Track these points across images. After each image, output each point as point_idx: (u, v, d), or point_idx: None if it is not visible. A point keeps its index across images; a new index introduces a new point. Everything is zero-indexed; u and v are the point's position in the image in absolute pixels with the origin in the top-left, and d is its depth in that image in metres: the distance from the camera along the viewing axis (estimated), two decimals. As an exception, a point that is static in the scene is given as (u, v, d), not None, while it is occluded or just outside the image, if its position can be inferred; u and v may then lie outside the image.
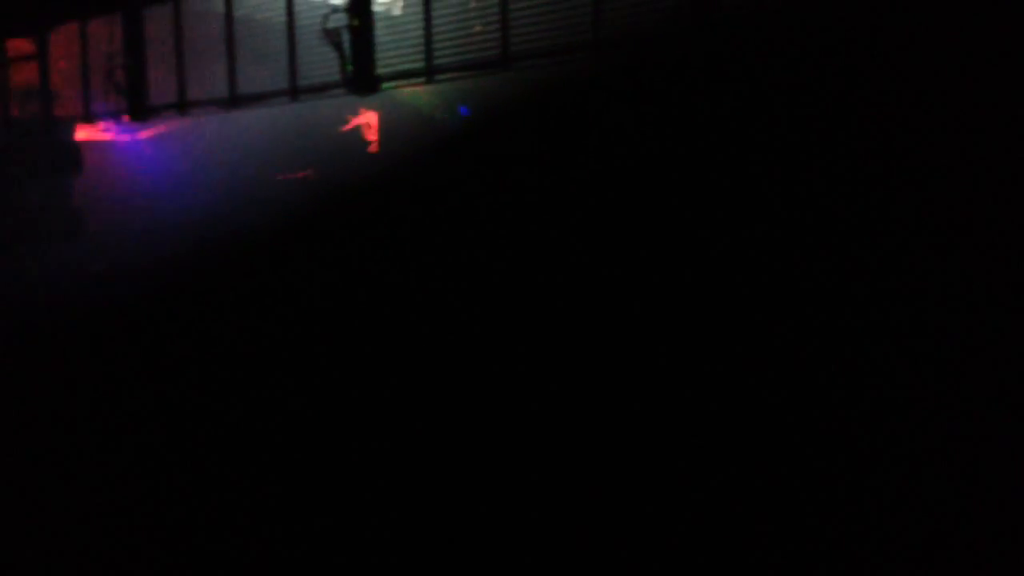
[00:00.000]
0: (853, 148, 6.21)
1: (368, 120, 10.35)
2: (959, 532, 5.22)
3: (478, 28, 8.57)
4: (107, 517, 6.41)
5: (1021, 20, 5.64)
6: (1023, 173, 5.54)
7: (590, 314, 7.45)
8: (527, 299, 7.76)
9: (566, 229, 7.80)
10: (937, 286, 5.74)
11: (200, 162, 10.75)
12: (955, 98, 5.77)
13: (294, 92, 9.70)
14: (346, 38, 9.24)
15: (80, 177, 11.12)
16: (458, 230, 8.43)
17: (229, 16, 9.89)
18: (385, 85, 9.25)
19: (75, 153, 11.13)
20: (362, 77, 9.24)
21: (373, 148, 10.30)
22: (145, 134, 11.04)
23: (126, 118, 10.62)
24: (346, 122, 10.36)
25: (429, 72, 9.01)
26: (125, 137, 11.03)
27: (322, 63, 9.42)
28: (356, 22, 9.19)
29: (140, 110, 10.51)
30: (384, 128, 10.27)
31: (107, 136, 11.10)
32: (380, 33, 9.24)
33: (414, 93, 9.60)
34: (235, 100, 10.01)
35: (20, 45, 11.18)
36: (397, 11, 9.36)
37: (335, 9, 9.33)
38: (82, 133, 11.00)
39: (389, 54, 9.16)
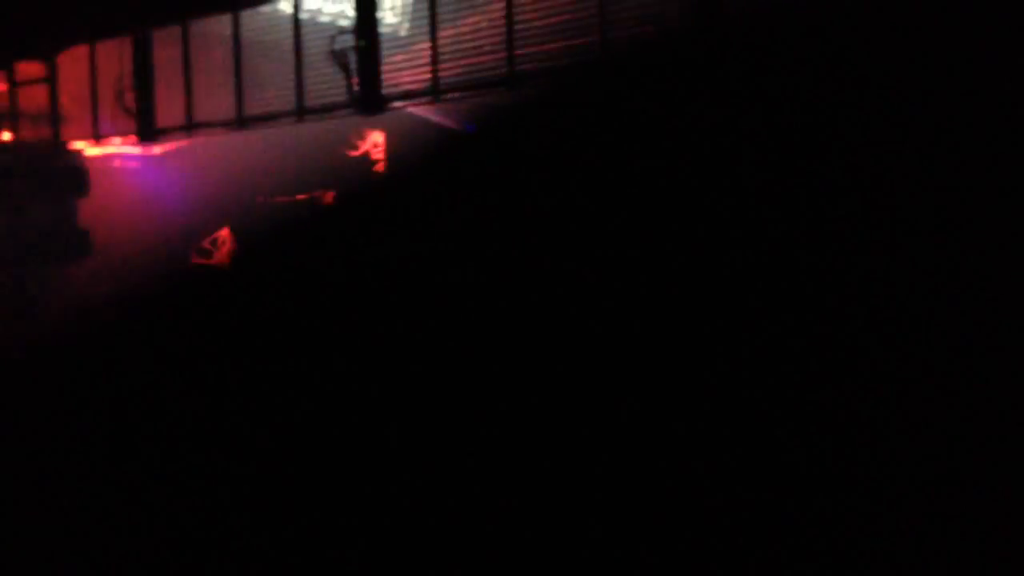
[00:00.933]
0: (853, 152, 6.30)
1: (375, 140, 10.46)
2: (958, 532, 5.26)
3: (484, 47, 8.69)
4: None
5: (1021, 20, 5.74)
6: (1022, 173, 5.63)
7: (595, 322, 7.51)
8: (534, 309, 7.82)
9: (573, 239, 7.87)
10: (938, 287, 5.81)
11: (206, 181, 10.83)
12: (957, 97, 5.86)
13: (301, 113, 9.81)
14: (352, 59, 9.37)
15: (87, 198, 11.21)
16: (464, 245, 8.49)
17: (237, 38, 10.02)
18: (391, 105, 9.36)
19: (83, 174, 11.22)
20: (368, 97, 9.36)
21: (379, 167, 10.40)
22: (153, 152, 11.13)
23: (134, 139, 10.73)
24: (352, 143, 10.46)
25: (435, 91, 9.13)
26: (134, 159, 11.14)
27: (329, 84, 9.54)
28: (363, 43, 9.32)
29: (148, 132, 10.62)
30: (391, 147, 10.37)
31: (116, 157, 11.20)
32: (386, 53, 9.36)
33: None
34: (242, 121, 10.11)
35: (30, 67, 11.29)
36: (403, 32, 9.49)
37: (342, 31, 9.45)
38: (91, 152, 11.09)
39: (395, 74, 9.28)
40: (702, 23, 7.42)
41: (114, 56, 10.63)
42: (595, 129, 8.12)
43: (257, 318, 9.43)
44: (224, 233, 10.93)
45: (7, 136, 11.47)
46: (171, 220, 11.01)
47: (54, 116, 11.11)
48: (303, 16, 9.77)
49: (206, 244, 10.93)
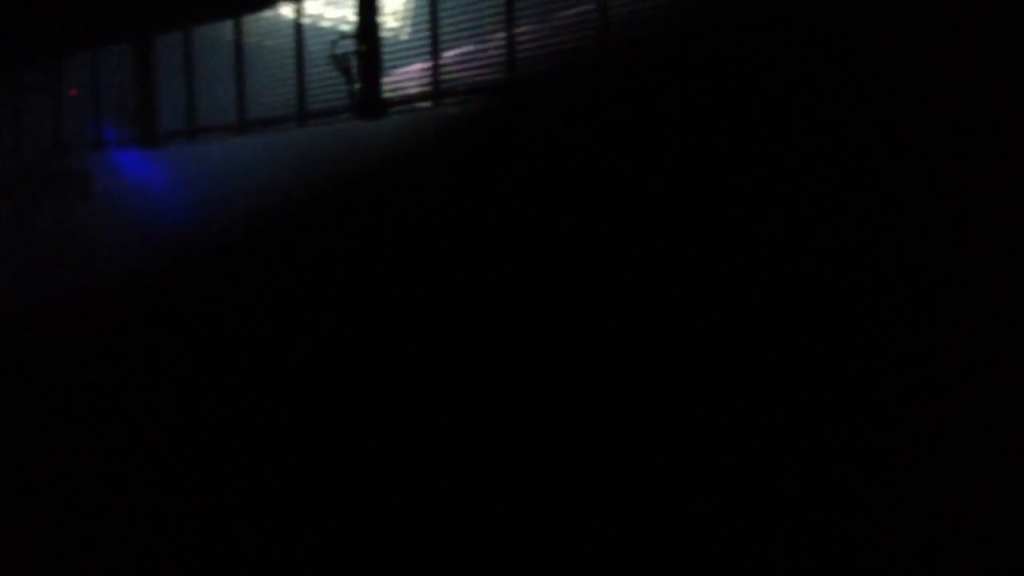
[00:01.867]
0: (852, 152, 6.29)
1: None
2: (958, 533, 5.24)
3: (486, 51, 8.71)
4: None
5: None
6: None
7: (594, 319, 7.50)
8: (531, 306, 7.82)
9: (570, 237, 7.86)
10: (938, 288, 5.79)
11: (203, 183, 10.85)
12: (958, 96, 5.85)
13: (302, 117, 9.83)
14: (354, 63, 9.39)
15: (90, 203, 11.24)
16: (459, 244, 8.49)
17: (239, 43, 10.06)
18: (393, 109, 9.38)
19: (85, 179, 11.26)
20: (369, 102, 9.38)
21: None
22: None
23: (137, 145, 10.76)
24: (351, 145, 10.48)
25: (436, 95, 9.15)
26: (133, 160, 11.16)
27: (330, 88, 9.57)
28: (364, 47, 9.35)
29: (150, 137, 10.65)
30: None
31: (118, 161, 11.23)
32: (387, 58, 9.39)
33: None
34: (244, 126, 10.14)
35: (33, 73, 11.35)
36: (405, 36, 9.51)
37: (343, 35, 9.48)
38: (94, 156, 11.12)
39: (397, 79, 9.31)
40: (705, 21, 7.43)
41: (116, 62, 10.67)
42: (595, 130, 8.12)
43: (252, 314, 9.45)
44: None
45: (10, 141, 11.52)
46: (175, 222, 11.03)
47: (57, 121, 11.15)
48: (304, 21, 9.81)
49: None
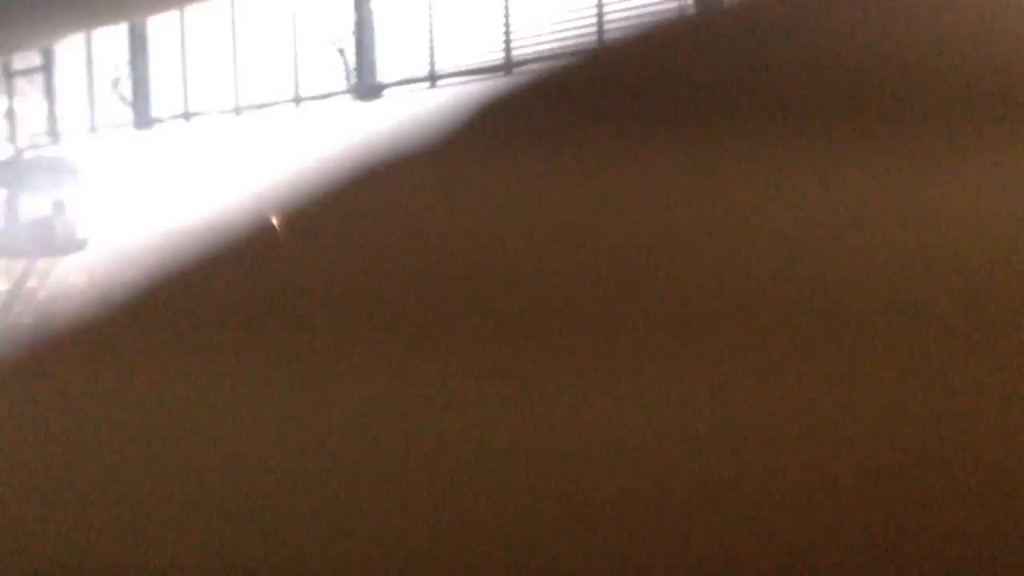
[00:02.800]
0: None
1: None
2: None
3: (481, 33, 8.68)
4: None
5: None
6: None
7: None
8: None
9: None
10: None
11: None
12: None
13: (298, 101, 9.79)
14: (349, 45, 9.36)
15: (83, 189, 11.17)
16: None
17: (234, 26, 10.01)
18: (388, 92, 9.35)
19: (79, 165, 11.19)
20: (366, 83, 9.35)
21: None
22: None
23: (131, 129, 10.71)
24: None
25: (432, 78, 9.12)
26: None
27: (326, 71, 9.54)
28: (359, 29, 9.31)
29: (145, 120, 10.59)
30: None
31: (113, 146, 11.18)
32: (383, 40, 9.35)
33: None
34: (239, 110, 10.10)
35: (26, 57, 11.28)
36: (400, 17, 9.47)
37: (338, 17, 9.45)
38: (87, 141, 11.06)
39: (392, 61, 9.28)
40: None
41: (110, 46, 10.61)
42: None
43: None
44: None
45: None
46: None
47: (50, 106, 11.09)
48: (300, 2, 9.76)
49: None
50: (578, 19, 8.15)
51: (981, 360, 0.46)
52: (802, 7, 0.56)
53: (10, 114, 11.53)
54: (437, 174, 0.53)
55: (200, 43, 10.14)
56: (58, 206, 11.48)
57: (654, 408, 0.47)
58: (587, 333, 0.49)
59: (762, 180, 0.51)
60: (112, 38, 10.61)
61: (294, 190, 0.56)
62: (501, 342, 0.50)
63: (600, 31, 8.07)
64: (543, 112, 0.55)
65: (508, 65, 8.74)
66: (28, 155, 11.37)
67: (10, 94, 11.46)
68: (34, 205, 11.46)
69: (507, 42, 8.57)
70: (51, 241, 11.42)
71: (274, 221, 0.55)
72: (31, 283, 11.28)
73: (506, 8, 8.50)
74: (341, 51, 9.38)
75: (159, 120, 10.50)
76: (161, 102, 10.44)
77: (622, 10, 7.95)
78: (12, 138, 11.59)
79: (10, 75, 11.44)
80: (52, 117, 11.18)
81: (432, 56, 9.05)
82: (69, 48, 10.94)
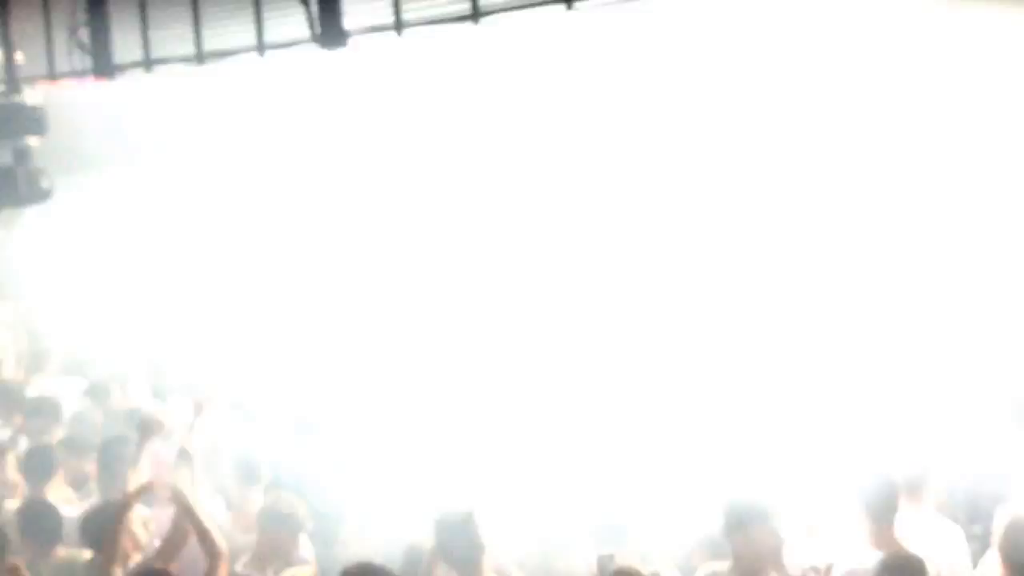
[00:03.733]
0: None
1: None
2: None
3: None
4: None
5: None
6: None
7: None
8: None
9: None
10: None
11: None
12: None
13: (261, 48, 9.62)
14: (314, -8, 9.17)
15: (44, 137, 10.94)
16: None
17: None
18: (353, 39, 9.19)
19: (39, 114, 10.94)
20: (330, 30, 9.18)
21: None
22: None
23: (91, 77, 10.48)
24: None
25: (397, 26, 8.98)
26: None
27: (290, 17, 9.35)
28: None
29: (105, 68, 10.36)
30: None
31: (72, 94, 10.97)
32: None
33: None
34: (201, 56, 9.90)
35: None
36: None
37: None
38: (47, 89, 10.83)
39: (358, 7, 9.11)
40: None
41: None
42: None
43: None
44: None
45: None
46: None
47: (7, 53, 10.81)
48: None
49: None
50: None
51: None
52: None
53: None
54: None
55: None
56: (20, 154, 11.25)
57: None
58: None
59: None
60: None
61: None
62: None
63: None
64: None
65: (476, 14, 8.61)
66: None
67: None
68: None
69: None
70: (13, 191, 11.22)
71: None
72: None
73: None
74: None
75: (119, 68, 10.29)
76: (121, 50, 10.21)
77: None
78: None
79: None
80: (10, 64, 10.91)
81: (398, 3, 8.91)
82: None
